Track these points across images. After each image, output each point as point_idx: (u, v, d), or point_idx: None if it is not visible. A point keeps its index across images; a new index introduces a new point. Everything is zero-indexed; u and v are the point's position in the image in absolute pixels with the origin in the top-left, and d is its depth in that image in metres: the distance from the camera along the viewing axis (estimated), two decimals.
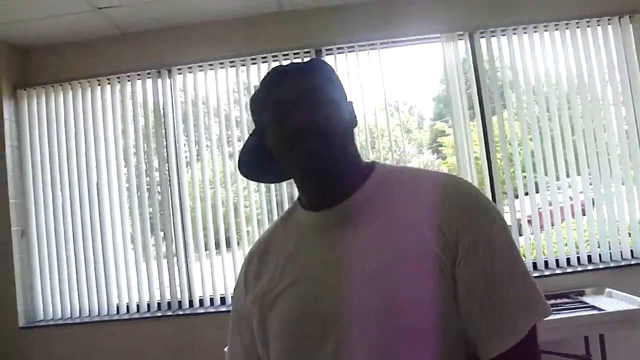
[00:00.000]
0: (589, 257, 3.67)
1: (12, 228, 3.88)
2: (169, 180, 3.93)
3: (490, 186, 3.72)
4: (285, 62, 3.84)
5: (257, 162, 1.14)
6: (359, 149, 1.12)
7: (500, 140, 3.74)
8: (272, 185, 3.79)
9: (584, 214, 3.73)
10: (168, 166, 3.95)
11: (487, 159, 3.75)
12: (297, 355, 1.01)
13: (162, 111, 3.97)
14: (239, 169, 1.17)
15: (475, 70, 3.78)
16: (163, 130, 3.95)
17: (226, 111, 4.19)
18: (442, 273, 0.94)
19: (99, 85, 4.00)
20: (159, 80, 3.96)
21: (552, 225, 3.80)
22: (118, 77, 3.98)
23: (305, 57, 3.86)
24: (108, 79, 3.98)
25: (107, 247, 3.94)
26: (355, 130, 1.13)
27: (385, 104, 3.86)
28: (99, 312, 3.90)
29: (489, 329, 0.94)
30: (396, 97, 3.33)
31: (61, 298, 3.94)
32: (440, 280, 0.94)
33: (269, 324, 1.06)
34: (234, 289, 1.21)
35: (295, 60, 3.83)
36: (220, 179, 3.88)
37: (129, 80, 4.00)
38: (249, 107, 1.15)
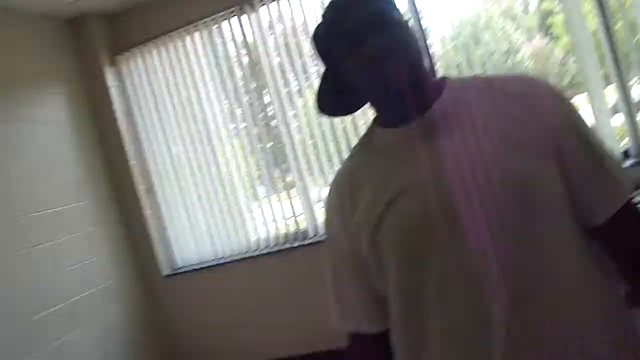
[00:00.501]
0: None
1: (139, 187, 4.11)
2: (283, 113, 3.89)
3: (614, 61, 3.34)
4: None
5: (335, 101, 1.18)
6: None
7: (618, 7, 3.32)
8: None
9: None
10: (275, 100, 3.93)
11: (607, 31, 3.34)
12: (419, 261, 1.01)
13: (254, 46, 3.92)
14: (318, 109, 1.20)
15: None
16: (258, 66, 3.92)
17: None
18: (549, 154, 0.99)
19: (188, 34, 4.02)
20: (244, 16, 3.89)
21: None
22: (204, 22, 3.96)
23: None
24: (195, 26, 3.98)
25: (226, 185, 4.05)
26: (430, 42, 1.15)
27: None
28: (230, 252, 4.07)
29: (600, 193, 1.03)
30: None
31: (195, 243, 4.16)
32: (549, 162, 0.99)
33: (381, 240, 1.04)
34: (327, 228, 1.19)
35: None
36: None
37: (214, 23, 3.97)
38: (313, 44, 1.15)
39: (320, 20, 1.13)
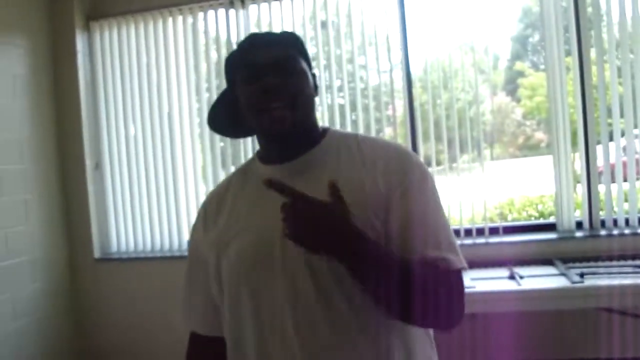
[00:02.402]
0: None
1: (86, 161, 3.90)
2: None
3: (584, 130, 3.40)
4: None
5: (225, 119, 1.26)
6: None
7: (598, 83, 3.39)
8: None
9: None
10: None
11: (583, 103, 3.41)
12: (246, 296, 1.14)
13: (229, 44, 3.81)
14: (208, 124, 1.30)
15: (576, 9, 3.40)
16: None
17: None
18: (376, 217, 1.08)
19: (171, 16, 3.87)
20: (232, 10, 3.78)
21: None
22: (190, 8, 3.82)
23: None
24: (180, 9, 3.84)
25: (179, 180, 3.90)
26: (317, 99, 1.28)
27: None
28: (170, 247, 3.91)
29: (423, 248, 1.08)
30: (471, 36, 3.11)
31: (134, 231, 3.97)
32: (371, 225, 1.07)
33: (223, 264, 1.17)
34: (192, 232, 1.32)
35: None
36: None
37: (201, 11, 3.84)
38: (224, 67, 1.25)
39: (235, 47, 1.22)
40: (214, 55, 3.90)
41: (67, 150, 3.90)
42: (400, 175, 1.12)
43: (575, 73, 3.41)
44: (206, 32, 3.89)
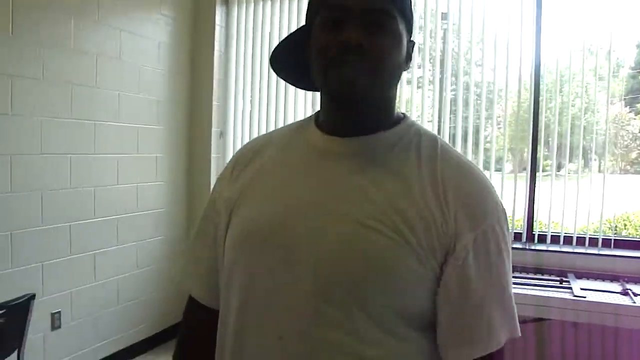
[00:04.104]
0: None
1: (213, 129, 4.15)
2: None
3: None
4: None
5: (291, 62, 1.03)
6: None
7: None
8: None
9: None
10: None
11: None
12: (245, 270, 0.95)
13: None
14: (270, 63, 1.07)
15: None
16: None
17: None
18: (426, 256, 0.87)
19: None
20: None
21: None
22: None
23: None
24: None
25: None
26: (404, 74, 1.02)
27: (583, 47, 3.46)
28: None
29: (464, 333, 0.89)
30: (592, 39, 2.98)
31: None
32: (418, 263, 0.86)
33: (231, 226, 1.00)
34: (216, 182, 1.11)
35: None
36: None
37: None
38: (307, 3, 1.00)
39: None
40: None
41: (197, 116, 4.17)
42: (478, 219, 0.89)
43: None
44: None
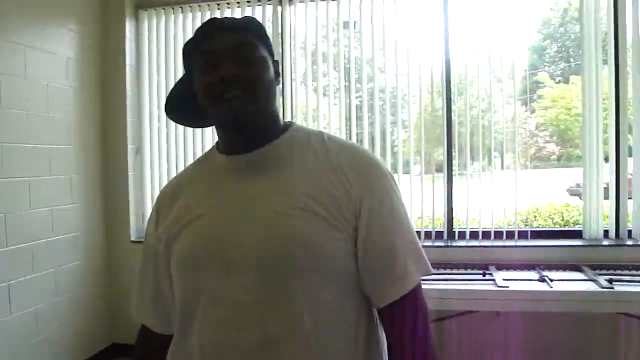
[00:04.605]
0: None
1: (129, 146, 4.02)
2: (283, 105, 3.90)
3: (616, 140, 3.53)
4: None
5: (183, 108, 1.21)
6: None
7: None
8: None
9: None
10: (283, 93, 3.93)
11: (617, 113, 3.52)
12: (194, 284, 1.09)
13: (280, 40, 3.92)
14: (166, 113, 1.24)
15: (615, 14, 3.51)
16: (281, 63, 3.92)
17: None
18: (346, 229, 1.06)
19: (219, 9, 3.98)
20: (279, 8, 3.89)
21: None
22: (238, 2, 3.93)
23: None
24: (228, 4, 3.95)
25: None
26: (278, 88, 1.19)
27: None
28: None
29: (385, 278, 1.08)
30: (488, 45, 3.20)
31: None
32: (343, 235, 1.06)
33: (172, 256, 1.13)
34: (147, 225, 1.26)
35: None
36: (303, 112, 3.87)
37: (249, 6, 3.95)
38: (184, 56, 1.19)
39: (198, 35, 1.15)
40: None
41: (111, 133, 4.02)
42: (371, 183, 1.10)
43: (610, 86, 3.52)
44: None
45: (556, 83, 9.81)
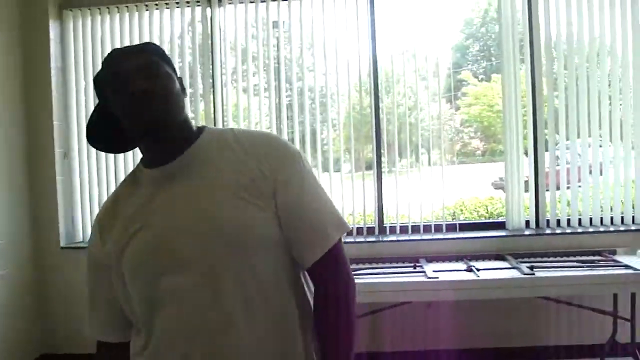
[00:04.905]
0: (622, 218, 3.73)
1: (56, 150, 3.91)
2: (214, 105, 3.91)
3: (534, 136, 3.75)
4: None
5: (103, 136, 1.32)
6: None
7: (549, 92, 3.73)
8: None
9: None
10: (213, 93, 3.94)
11: (534, 109, 3.75)
12: (151, 285, 1.18)
13: (210, 41, 3.92)
14: (90, 144, 1.35)
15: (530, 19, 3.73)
16: (210, 63, 3.93)
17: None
18: (268, 205, 1.19)
19: (147, 9, 3.93)
20: (208, 9, 3.90)
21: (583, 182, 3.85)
22: (167, 3, 3.91)
23: None
24: (156, 5, 3.91)
25: None
26: (187, 100, 1.31)
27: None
28: None
29: (306, 241, 1.21)
30: (413, 44, 3.34)
31: None
32: (267, 211, 1.18)
33: (124, 266, 1.21)
34: (88, 248, 1.33)
35: None
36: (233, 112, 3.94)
37: (177, 7, 3.93)
38: (96, 87, 1.28)
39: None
40: (187, 52, 3.99)
41: (37, 138, 3.90)
42: (282, 161, 1.23)
43: (527, 84, 3.74)
44: (182, 26, 3.97)
45: (479, 81, 10.21)
